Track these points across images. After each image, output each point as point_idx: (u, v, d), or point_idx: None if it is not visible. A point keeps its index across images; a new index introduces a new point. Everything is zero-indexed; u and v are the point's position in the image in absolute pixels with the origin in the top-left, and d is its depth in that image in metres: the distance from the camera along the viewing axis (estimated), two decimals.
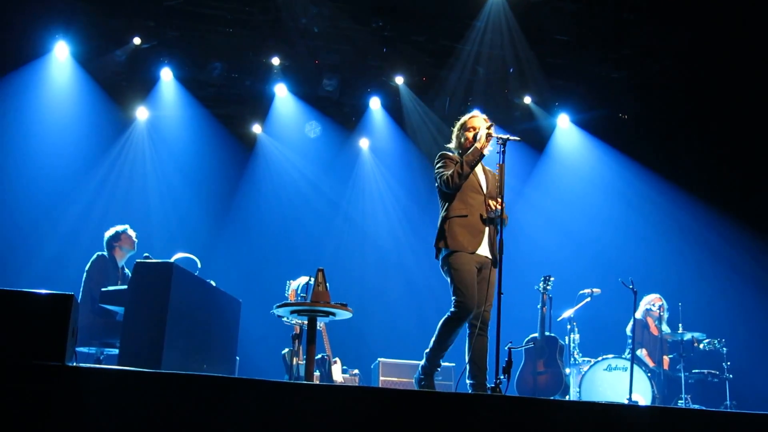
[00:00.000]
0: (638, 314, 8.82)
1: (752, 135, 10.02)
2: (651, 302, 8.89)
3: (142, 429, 3.17)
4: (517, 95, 10.88)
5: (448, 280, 5.42)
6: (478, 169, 5.62)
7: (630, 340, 8.59)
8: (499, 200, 5.29)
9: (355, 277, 10.98)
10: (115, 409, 3.18)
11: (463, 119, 5.76)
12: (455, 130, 5.77)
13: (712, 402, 8.41)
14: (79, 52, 9.74)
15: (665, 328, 8.84)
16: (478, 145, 5.44)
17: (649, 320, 8.95)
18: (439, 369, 5.50)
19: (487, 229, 5.45)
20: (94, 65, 9.92)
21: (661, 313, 8.83)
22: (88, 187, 10.17)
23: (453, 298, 5.33)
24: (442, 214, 5.57)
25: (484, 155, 5.49)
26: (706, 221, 10.17)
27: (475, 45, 10.13)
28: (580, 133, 11.22)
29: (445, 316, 5.33)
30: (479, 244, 5.40)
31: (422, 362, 5.44)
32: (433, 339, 5.37)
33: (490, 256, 5.46)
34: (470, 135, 5.60)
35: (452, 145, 5.76)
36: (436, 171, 5.60)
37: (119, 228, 7.52)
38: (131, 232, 7.51)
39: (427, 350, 5.41)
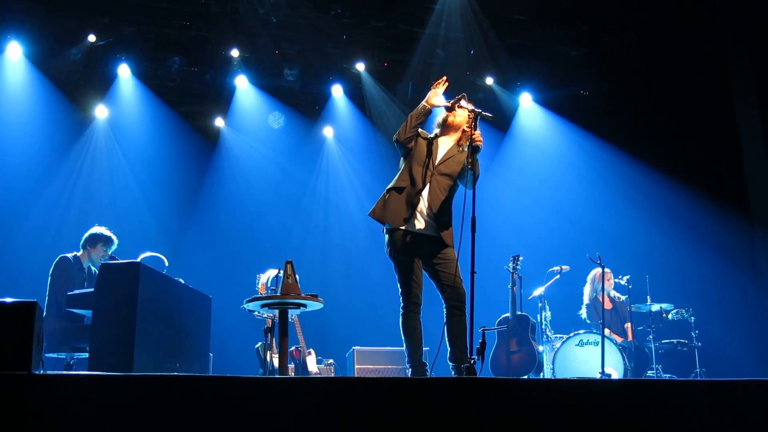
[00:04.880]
0: (587, 298, 8.92)
1: (712, 106, 10.15)
2: (595, 280, 8.94)
3: None
4: (479, 77, 10.88)
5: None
6: (444, 144, 5.57)
7: (592, 322, 8.74)
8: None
9: (325, 266, 10.97)
10: (88, 416, 3.14)
11: None
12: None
13: (682, 371, 8.54)
14: (33, 52, 9.56)
15: (614, 293, 8.91)
16: (425, 100, 5.44)
17: (600, 298, 8.99)
18: (426, 367, 5.42)
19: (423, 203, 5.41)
20: (49, 65, 9.73)
21: (602, 283, 8.85)
22: (49, 189, 10.01)
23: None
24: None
25: (430, 110, 5.44)
26: (670, 193, 10.29)
27: (435, 28, 10.12)
28: (543, 111, 11.28)
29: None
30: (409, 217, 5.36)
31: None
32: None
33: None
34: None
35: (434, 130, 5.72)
36: None
37: (103, 234, 7.32)
38: (105, 248, 7.31)
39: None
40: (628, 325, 8.77)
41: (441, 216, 5.41)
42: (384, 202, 5.46)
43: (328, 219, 11.54)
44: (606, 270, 8.75)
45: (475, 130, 5.21)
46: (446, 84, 5.48)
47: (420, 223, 5.37)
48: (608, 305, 8.95)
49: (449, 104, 5.47)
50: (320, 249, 11.24)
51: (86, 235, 7.37)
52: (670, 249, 10.21)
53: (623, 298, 8.78)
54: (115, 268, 6.16)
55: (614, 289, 8.97)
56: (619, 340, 8.62)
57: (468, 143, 5.22)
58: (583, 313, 8.99)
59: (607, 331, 8.70)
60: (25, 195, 9.75)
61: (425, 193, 5.41)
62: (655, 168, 10.42)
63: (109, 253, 7.33)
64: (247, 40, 10.07)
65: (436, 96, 5.45)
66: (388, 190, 5.49)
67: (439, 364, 5.37)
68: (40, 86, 9.71)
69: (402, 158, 5.61)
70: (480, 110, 5.28)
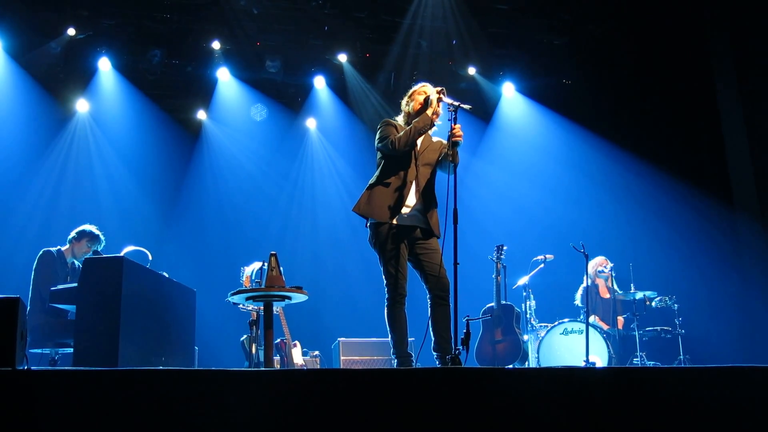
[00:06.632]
0: (587, 280, 8.96)
1: (694, 95, 10.19)
2: (600, 265, 9.00)
3: (102, 430, 3.12)
4: (461, 67, 10.88)
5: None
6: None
7: (583, 309, 8.76)
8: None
9: (310, 258, 10.96)
10: (73, 412, 3.12)
11: (413, 88, 5.67)
12: (404, 98, 5.68)
13: (666, 358, 8.61)
14: (12, 46, 9.47)
15: (616, 287, 8.98)
16: (429, 111, 5.37)
17: (600, 283, 9.07)
18: (411, 357, 5.40)
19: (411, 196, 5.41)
20: (29, 59, 9.64)
21: (612, 273, 8.96)
22: (30, 184, 9.95)
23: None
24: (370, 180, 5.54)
25: (434, 124, 5.42)
26: (653, 182, 10.34)
27: (417, 18, 10.11)
28: (526, 101, 11.29)
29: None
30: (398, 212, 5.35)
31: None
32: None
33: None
34: (420, 99, 5.50)
35: (399, 117, 5.67)
36: (379, 136, 5.50)
37: (91, 231, 7.31)
38: (90, 244, 7.29)
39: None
40: (620, 318, 8.84)
41: (428, 204, 5.45)
42: (368, 196, 5.43)
43: (312, 211, 11.52)
44: (603, 258, 8.88)
45: (455, 123, 5.20)
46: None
47: (408, 215, 5.38)
48: (606, 294, 9.01)
49: (436, 107, 5.45)
50: (304, 241, 11.23)
51: (75, 230, 7.35)
52: (653, 237, 10.27)
53: (620, 292, 8.85)
54: (99, 262, 6.13)
55: (598, 277, 9.05)
56: (606, 327, 8.67)
57: (448, 137, 5.22)
58: (578, 297, 8.99)
59: (597, 318, 8.77)
60: (6, 190, 9.67)
61: (413, 184, 5.42)
62: (638, 156, 10.46)
63: (93, 249, 7.30)
64: (228, 32, 10.02)
65: (436, 103, 5.41)
66: (372, 185, 5.47)
67: (424, 354, 5.39)
68: (19, 81, 9.62)
69: (380, 153, 5.58)
70: (459, 103, 5.25)
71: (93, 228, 7.37)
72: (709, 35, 9.92)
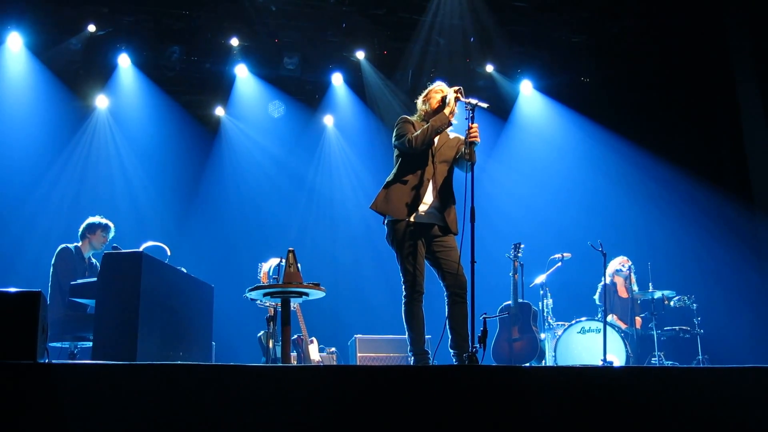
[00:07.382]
0: (606, 279, 8.91)
1: (713, 91, 10.12)
2: (620, 264, 8.97)
3: (121, 423, 3.15)
4: (479, 64, 10.86)
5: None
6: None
7: (601, 307, 8.71)
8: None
9: (327, 255, 10.97)
10: (92, 405, 3.15)
11: (429, 87, 5.67)
12: (420, 97, 5.68)
13: (684, 358, 8.55)
14: (33, 42, 9.55)
15: (635, 287, 8.93)
16: (446, 110, 5.35)
17: (618, 281, 9.01)
18: (428, 355, 5.40)
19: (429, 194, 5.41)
20: (50, 55, 9.72)
21: (630, 273, 8.92)
22: (52, 180, 10.02)
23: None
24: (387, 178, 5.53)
25: (451, 123, 5.39)
26: (672, 179, 10.27)
27: (435, 16, 10.08)
28: (544, 99, 11.25)
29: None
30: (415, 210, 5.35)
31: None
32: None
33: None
34: (437, 98, 5.50)
35: (416, 116, 5.66)
36: (396, 134, 5.50)
37: (100, 221, 7.43)
38: (104, 233, 7.39)
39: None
40: (638, 318, 8.80)
41: (445, 202, 5.45)
42: (386, 194, 5.44)
43: (330, 207, 11.53)
44: (623, 257, 8.83)
45: (473, 123, 5.19)
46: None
47: (426, 213, 5.38)
48: (624, 294, 8.96)
49: (453, 106, 5.43)
50: (322, 237, 11.24)
51: (83, 225, 7.42)
52: (671, 236, 10.21)
53: (638, 291, 8.80)
54: (118, 257, 6.17)
55: (617, 275, 9.01)
56: (624, 326, 8.63)
57: (465, 137, 5.21)
58: (597, 294, 8.95)
59: (615, 317, 8.72)
60: (26, 185, 9.75)
61: (430, 182, 5.42)
62: (656, 154, 10.40)
63: (109, 238, 7.38)
64: (246, 28, 10.04)
65: (454, 102, 5.41)
66: (390, 183, 5.47)
67: (441, 352, 5.38)
68: (41, 77, 9.70)
69: (397, 151, 5.59)
70: (476, 101, 5.23)
71: (99, 218, 7.48)
72: (729, 32, 9.84)
